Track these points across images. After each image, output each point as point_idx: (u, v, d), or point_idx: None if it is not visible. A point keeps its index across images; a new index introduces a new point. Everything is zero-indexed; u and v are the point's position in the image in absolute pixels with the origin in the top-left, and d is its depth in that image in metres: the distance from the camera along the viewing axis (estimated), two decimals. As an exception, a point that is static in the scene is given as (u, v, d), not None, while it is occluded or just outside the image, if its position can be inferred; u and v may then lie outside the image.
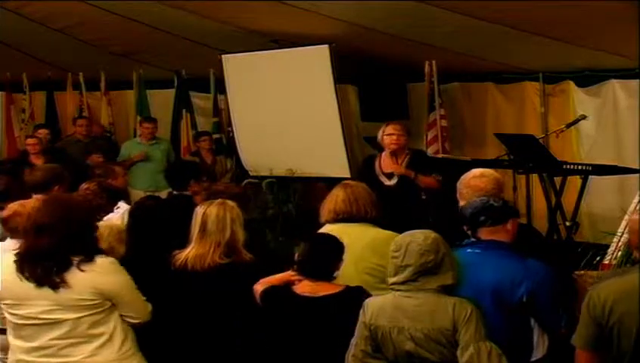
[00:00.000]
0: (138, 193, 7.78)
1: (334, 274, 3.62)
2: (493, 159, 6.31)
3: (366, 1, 6.45)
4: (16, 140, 10.36)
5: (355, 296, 3.42)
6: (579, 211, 6.04)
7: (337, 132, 7.57)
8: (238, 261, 3.86)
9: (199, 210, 3.94)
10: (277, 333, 3.61)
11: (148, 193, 7.08)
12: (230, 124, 8.76)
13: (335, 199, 4.24)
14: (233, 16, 7.35)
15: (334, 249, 3.65)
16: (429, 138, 7.70)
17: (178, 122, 9.58)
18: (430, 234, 3.17)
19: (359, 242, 4.01)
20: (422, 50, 7.27)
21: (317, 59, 7.48)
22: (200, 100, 9.77)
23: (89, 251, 3.39)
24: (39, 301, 3.33)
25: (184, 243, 3.94)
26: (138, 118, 9.56)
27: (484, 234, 3.51)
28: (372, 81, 8.14)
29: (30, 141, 8.54)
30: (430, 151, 7.47)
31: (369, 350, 3.20)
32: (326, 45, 7.37)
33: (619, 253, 4.60)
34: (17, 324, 3.42)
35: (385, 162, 6.18)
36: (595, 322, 2.70)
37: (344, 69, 7.58)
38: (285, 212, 8.00)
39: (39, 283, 3.31)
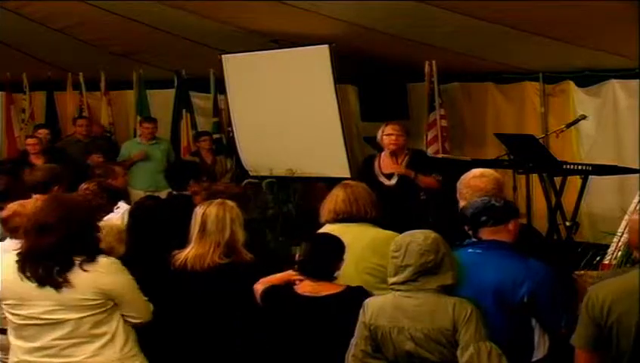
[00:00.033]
0: (138, 193, 7.78)
1: (335, 274, 3.63)
2: (493, 159, 6.31)
3: (366, 1, 6.45)
4: (16, 140, 10.36)
5: (356, 296, 3.42)
6: (579, 211, 6.04)
7: (337, 132, 7.58)
8: (238, 261, 3.86)
9: (198, 210, 3.94)
10: (278, 332, 3.61)
11: (148, 193, 7.09)
12: (230, 124, 8.76)
13: (335, 199, 4.24)
14: (233, 16, 7.35)
15: (335, 249, 3.65)
16: (429, 138, 7.70)
17: (178, 122, 9.57)
18: (430, 234, 3.17)
19: (359, 242, 4.01)
20: (422, 50, 7.27)
21: (317, 59, 7.48)
22: (200, 100, 9.77)
23: (91, 251, 3.39)
24: (41, 301, 3.33)
25: (183, 243, 3.94)
26: (138, 118, 9.56)
27: (485, 234, 3.51)
28: (372, 81, 8.14)
29: (30, 141, 8.54)
30: (430, 151, 7.47)
31: (369, 350, 3.20)
32: (326, 45, 7.37)
33: (619, 253, 4.60)
34: (19, 324, 3.41)
35: (385, 163, 6.19)
36: (594, 322, 2.70)
37: (344, 69, 7.58)
38: (285, 212, 8.01)
39: (41, 283, 3.31)
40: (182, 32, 8.03)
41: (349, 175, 7.15)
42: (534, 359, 3.45)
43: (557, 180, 6.01)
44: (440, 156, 7.14)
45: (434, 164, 6.34)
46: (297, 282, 3.66)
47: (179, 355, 3.84)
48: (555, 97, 7.29)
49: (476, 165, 4.95)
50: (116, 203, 5.32)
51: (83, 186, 5.24)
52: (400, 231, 3.33)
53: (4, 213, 4.29)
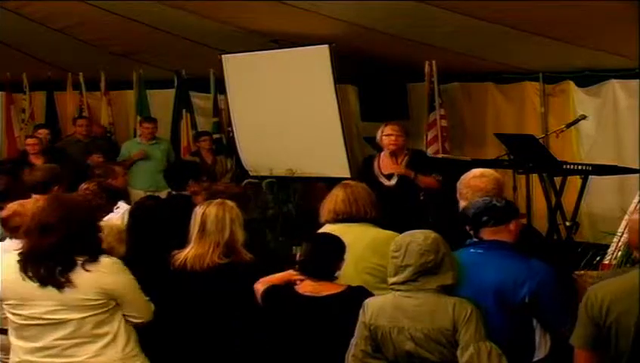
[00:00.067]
0: (138, 193, 7.78)
1: (336, 274, 3.63)
2: (493, 159, 6.31)
3: (366, 1, 6.45)
4: (16, 140, 10.36)
5: (358, 296, 3.42)
6: (579, 211, 6.04)
7: (337, 132, 7.57)
8: (237, 261, 3.86)
9: (198, 210, 3.94)
10: (278, 332, 3.61)
11: (148, 193, 7.09)
12: (230, 124, 8.76)
13: (335, 199, 4.24)
14: (233, 16, 7.35)
15: (336, 248, 3.65)
16: (429, 138, 7.69)
17: (178, 122, 9.57)
18: (430, 234, 3.17)
19: (360, 242, 4.01)
20: (422, 50, 7.27)
21: (317, 59, 7.48)
22: (200, 100, 9.77)
23: (93, 251, 3.40)
24: (44, 301, 3.33)
25: (183, 243, 3.94)
26: (138, 118, 9.56)
27: (487, 234, 3.51)
28: (372, 81, 8.14)
29: (30, 141, 8.54)
30: (430, 151, 7.47)
31: (369, 350, 3.20)
32: (326, 45, 7.36)
33: (619, 253, 4.60)
34: (20, 324, 3.41)
35: (384, 163, 6.19)
36: (593, 322, 2.70)
37: (344, 69, 7.58)
38: (285, 212, 8.00)
39: (43, 283, 3.31)
40: (182, 32, 8.02)
41: (349, 175, 7.15)
42: (535, 359, 3.45)
43: (557, 180, 6.01)
44: (440, 156, 7.14)
45: (434, 164, 6.34)
46: (298, 282, 3.66)
47: (179, 355, 3.84)
48: (555, 97, 7.28)
49: (476, 165, 4.95)
50: (115, 203, 5.32)
51: (83, 186, 5.24)
52: (400, 231, 3.33)
53: (4, 213, 4.29)
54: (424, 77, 7.71)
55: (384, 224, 4.24)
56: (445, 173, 5.93)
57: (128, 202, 5.78)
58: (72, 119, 9.89)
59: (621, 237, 4.65)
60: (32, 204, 4.23)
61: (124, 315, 3.46)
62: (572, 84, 7.09)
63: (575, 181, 6.05)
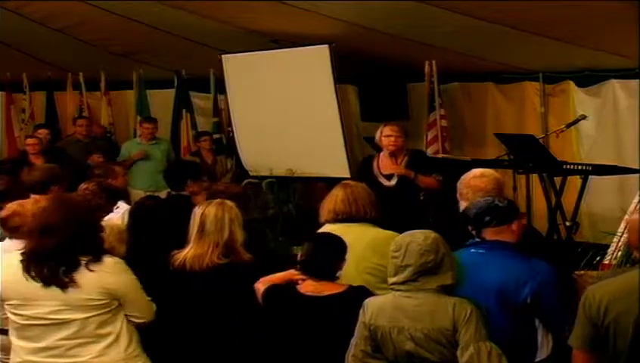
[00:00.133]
0: (138, 193, 7.78)
1: (337, 274, 3.63)
2: (493, 159, 6.30)
3: (366, 1, 6.45)
4: (16, 140, 10.36)
5: (359, 295, 3.41)
6: (579, 211, 6.04)
7: (337, 132, 7.57)
8: (237, 261, 3.86)
9: (197, 210, 3.95)
10: (279, 332, 3.61)
11: (148, 194, 7.09)
12: (230, 124, 8.75)
13: (334, 199, 4.24)
14: (233, 16, 7.35)
15: (337, 248, 3.66)
16: (429, 138, 7.69)
17: (178, 122, 9.57)
18: (430, 234, 3.17)
19: (360, 242, 4.01)
20: (422, 50, 7.27)
21: (317, 59, 7.48)
22: (200, 100, 9.76)
23: (97, 251, 3.40)
24: (47, 301, 3.33)
25: (183, 243, 3.94)
26: (138, 118, 9.56)
27: (489, 234, 3.51)
28: (372, 81, 8.14)
29: (30, 141, 8.53)
30: (430, 151, 7.47)
31: (369, 350, 3.20)
32: (326, 45, 7.36)
33: (619, 253, 4.60)
34: (22, 324, 3.40)
35: (384, 163, 6.19)
36: (591, 322, 2.70)
37: (344, 69, 7.57)
38: (285, 212, 8.00)
39: (46, 283, 3.31)
40: (182, 32, 8.02)
41: (349, 175, 7.14)
42: (537, 359, 3.45)
43: (557, 180, 6.01)
44: (440, 156, 7.14)
45: (434, 164, 6.35)
46: (299, 281, 3.66)
47: (178, 355, 3.84)
48: (555, 97, 7.28)
49: (476, 165, 4.95)
50: (115, 203, 5.32)
51: (83, 186, 5.24)
52: (400, 231, 3.33)
53: (3, 213, 4.29)
54: (424, 77, 7.71)
55: (384, 224, 4.24)
56: (445, 173, 5.93)
57: (128, 202, 5.78)
58: (72, 119, 9.89)
59: (621, 237, 4.65)
60: (32, 204, 4.24)
61: (126, 315, 3.46)
62: (572, 84, 7.09)
63: (575, 181, 6.05)
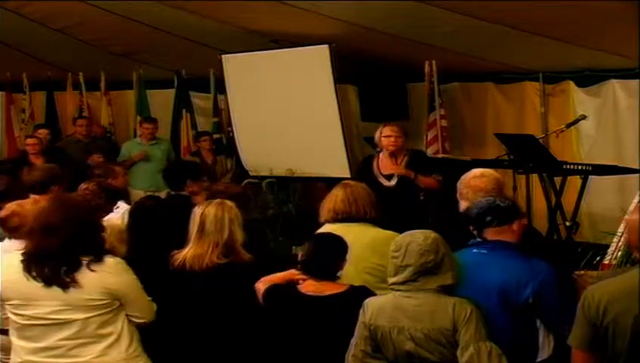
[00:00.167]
0: (138, 193, 7.78)
1: (338, 274, 3.63)
2: (493, 159, 6.31)
3: (366, 1, 6.45)
4: (16, 140, 10.37)
5: (360, 295, 3.41)
6: (579, 211, 6.04)
7: (337, 132, 7.57)
8: (236, 261, 3.86)
9: (197, 210, 3.94)
10: (280, 332, 3.61)
11: (148, 194, 7.08)
12: (230, 124, 8.76)
13: (334, 199, 4.25)
14: (233, 16, 7.35)
15: (338, 248, 3.65)
16: (429, 138, 7.69)
17: (178, 122, 9.57)
18: (430, 234, 3.17)
19: (359, 242, 4.00)
20: (422, 50, 7.27)
21: (317, 59, 7.48)
22: (200, 100, 9.76)
23: (98, 251, 3.40)
24: (48, 301, 3.32)
25: (183, 243, 3.94)
26: (138, 118, 9.56)
27: (490, 234, 3.51)
28: (372, 81, 8.14)
29: (30, 141, 8.53)
30: (430, 151, 7.47)
31: (369, 350, 3.20)
32: (326, 45, 7.36)
33: (619, 253, 4.60)
34: (23, 324, 3.40)
35: (384, 163, 6.19)
36: (590, 322, 2.69)
37: (344, 69, 7.58)
38: (285, 212, 8.00)
39: (48, 283, 3.31)
40: (182, 32, 8.02)
41: (349, 175, 7.14)
42: (539, 360, 3.45)
43: (557, 180, 6.01)
44: (440, 156, 7.14)
45: (434, 164, 6.35)
46: (300, 281, 3.66)
47: (178, 354, 3.84)
48: (555, 97, 7.28)
49: (476, 165, 4.95)
50: (115, 203, 5.31)
51: (83, 186, 5.24)
52: (400, 231, 3.33)
53: (3, 213, 4.28)
54: (424, 77, 7.71)
55: (384, 224, 4.24)
56: (445, 173, 5.93)
57: (128, 202, 5.77)
58: (72, 119, 9.89)
59: (621, 237, 4.64)
60: (31, 204, 4.24)
61: (127, 315, 3.46)
62: (572, 84, 7.09)
63: (575, 181, 6.05)
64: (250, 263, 3.87)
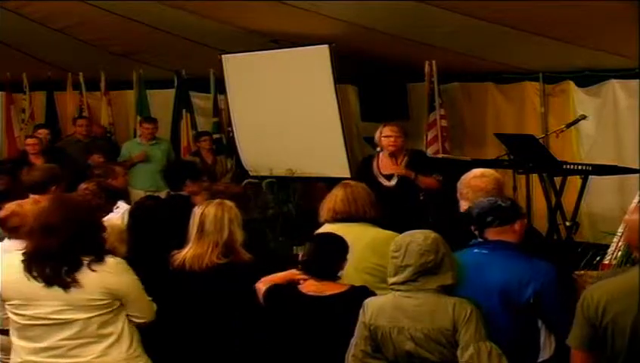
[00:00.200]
0: (138, 193, 7.78)
1: (339, 274, 3.63)
2: (493, 159, 6.31)
3: (366, 1, 6.44)
4: (16, 140, 10.37)
5: (361, 295, 3.42)
6: (579, 211, 6.04)
7: (337, 132, 7.57)
8: (236, 261, 3.86)
9: (197, 210, 3.95)
10: (281, 331, 3.61)
11: (148, 194, 7.09)
12: (230, 124, 8.76)
13: (334, 198, 4.25)
14: (233, 16, 7.35)
15: (339, 248, 3.66)
16: (429, 138, 7.69)
17: (178, 122, 9.57)
18: (430, 234, 3.17)
19: (359, 242, 4.00)
20: (422, 50, 7.27)
21: (317, 59, 7.48)
22: (200, 100, 9.77)
23: (98, 251, 3.40)
24: (49, 301, 3.32)
25: (183, 243, 3.94)
26: (138, 118, 9.56)
27: (491, 234, 3.51)
28: (372, 81, 8.14)
29: (30, 141, 8.53)
30: (430, 151, 7.47)
31: (369, 350, 3.20)
32: (326, 45, 7.36)
33: (619, 253, 4.60)
34: (23, 324, 3.40)
35: (383, 163, 6.19)
36: (589, 322, 2.69)
37: (344, 69, 7.57)
38: (285, 212, 8.00)
39: (49, 283, 3.31)
40: (182, 32, 8.02)
41: (349, 175, 7.14)
42: (540, 360, 3.46)
43: (557, 180, 6.01)
44: (440, 156, 7.14)
45: (434, 164, 6.35)
46: (301, 281, 3.66)
47: (178, 354, 3.84)
48: (555, 97, 7.28)
49: (476, 165, 4.95)
50: (114, 203, 5.31)
51: (83, 186, 5.24)
52: (400, 231, 3.33)
53: (2, 213, 4.28)
54: (424, 77, 7.71)
55: (384, 224, 4.24)
56: (445, 173, 5.93)
57: (128, 202, 5.77)
58: (72, 119, 9.89)
59: (621, 237, 4.64)
60: (31, 204, 4.24)
61: (127, 315, 3.46)
62: (572, 84, 7.09)
63: (575, 181, 6.05)
64: (249, 263, 3.87)
